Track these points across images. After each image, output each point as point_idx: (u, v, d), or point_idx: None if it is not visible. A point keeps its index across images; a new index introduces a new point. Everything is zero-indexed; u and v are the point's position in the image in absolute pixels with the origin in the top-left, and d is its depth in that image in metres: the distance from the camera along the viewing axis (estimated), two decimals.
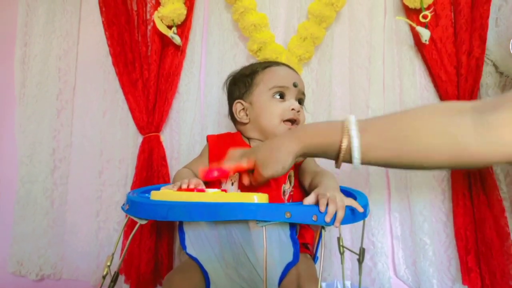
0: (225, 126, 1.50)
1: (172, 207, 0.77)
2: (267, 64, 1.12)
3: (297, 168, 1.06)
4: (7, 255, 1.56)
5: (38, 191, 1.56)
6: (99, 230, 1.55)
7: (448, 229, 1.42)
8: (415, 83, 1.45)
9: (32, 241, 1.54)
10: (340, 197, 0.78)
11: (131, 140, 1.55)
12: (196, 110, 1.55)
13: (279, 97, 1.08)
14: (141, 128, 1.51)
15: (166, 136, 1.56)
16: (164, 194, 0.83)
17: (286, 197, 1.03)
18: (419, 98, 1.46)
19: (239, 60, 1.52)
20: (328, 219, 0.74)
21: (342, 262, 1.18)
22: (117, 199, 1.55)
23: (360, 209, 0.79)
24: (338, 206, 0.76)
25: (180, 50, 1.51)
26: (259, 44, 1.42)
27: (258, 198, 0.78)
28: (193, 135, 1.53)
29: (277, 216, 0.74)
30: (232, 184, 1.05)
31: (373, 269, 1.43)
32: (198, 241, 0.95)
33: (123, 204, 0.91)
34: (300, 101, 1.12)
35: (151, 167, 1.47)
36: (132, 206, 0.85)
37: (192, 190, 0.83)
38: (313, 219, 0.75)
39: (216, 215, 0.74)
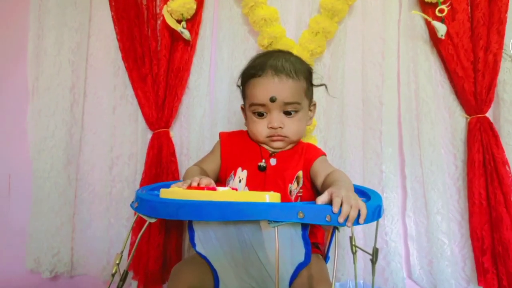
0: (235, 123, 1.48)
1: (181, 206, 0.75)
2: (251, 74, 1.05)
3: (309, 168, 1.03)
4: (23, 252, 1.53)
5: (51, 187, 1.52)
6: (109, 227, 1.53)
7: (463, 229, 1.39)
8: (430, 79, 1.42)
9: (47, 238, 1.51)
10: (355, 197, 0.75)
11: (140, 136, 1.53)
12: (206, 106, 1.52)
13: (258, 115, 1.05)
14: (150, 124, 1.49)
15: (176, 132, 1.54)
16: (174, 192, 0.81)
17: (293, 197, 1.01)
18: (434, 94, 1.42)
19: (250, 55, 1.43)
20: (341, 219, 0.71)
21: (354, 262, 1.15)
22: (126, 195, 1.52)
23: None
24: (352, 206, 0.73)
25: (189, 45, 1.49)
26: (269, 39, 1.39)
27: (270, 197, 0.75)
28: (202, 131, 1.51)
29: (290, 216, 0.71)
30: (240, 181, 1.03)
31: (386, 268, 1.41)
32: (207, 239, 0.93)
33: (132, 202, 0.89)
34: (288, 112, 1.03)
35: (160, 164, 1.45)
36: (141, 204, 0.83)
37: (202, 188, 0.81)
38: (327, 219, 0.72)
39: (227, 214, 0.72)
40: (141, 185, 1.45)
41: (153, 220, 0.83)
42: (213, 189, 0.81)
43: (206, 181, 0.88)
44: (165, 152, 1.47)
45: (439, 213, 1.37)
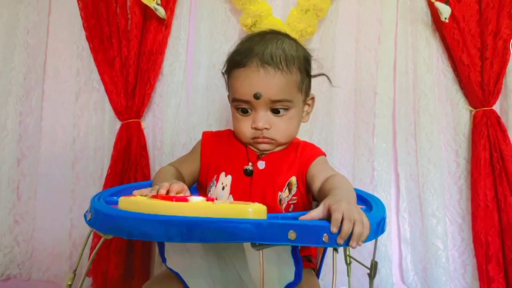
0: (214, 114, 1.36)
1: (140, 222, 0.59)
2: (235, 61, 0.89)
3: (305, 172, 0.89)
4: None
5: (2, 182, 1.40)
6: (72, 228, 1.41)
7: (464, 233, 1.31)
8: (431, 67, 1.32)
9: None
10: (358, 211, 0.62)
11: (107, 126, 1.40)
12: (182, 94, 1.39)
13: (242, 111, 0.90)
14: (119, 113, 1.36)
15: (148, 123, 1.42)
16: (134, 202, 0.66)
17: (283, 206, 0.87)
18: (435, 84, 1.33)
19: (231, 37, 1.36)
20: (341, 241, 0.59)
21: (348, 274, 1.04)
22: (92, 193, 1.37)
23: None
24: (356, 222, 0.60)
25: (164, 25, 1.35)
26: (253, 18, 1.26)
27: (254, 211, 0.61)
28: (178, 123, 1.38)
29: (279, 237, 0.58)
30: (223, 188, 0.89)
31: (376, 275, 1.30)
32: (180, 255, 0.81)
33: (86, 211, 0.74)
34: (276, 109, 0.88)
35: (129, 158, 1.33)
36: (95, 217, 0.68)
37: (170, 198, 0.66)
38: (324, 240, 0.59)
39: (199, 235, 0.57)
40: (106, 182, 1.32)
41: (109, 237, 0.68)
42: (184, 199, 0.66)
43: (177, 187, 0.73)
44: (135, 145, 1.34)
45: (434, 215, 1.28)
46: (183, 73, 1.39)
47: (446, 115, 1.34)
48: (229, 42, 1.32)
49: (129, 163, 1.32)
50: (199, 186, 0.99)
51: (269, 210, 0.63)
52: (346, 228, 0.58)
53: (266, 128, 0.88)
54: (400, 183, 1.36)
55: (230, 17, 1.38)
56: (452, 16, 1.23)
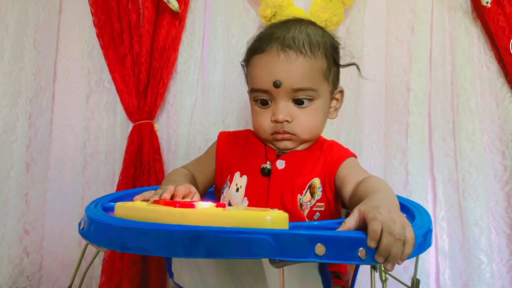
0: (231, 114, 1.29)
1: (134, 232, 0.50)
2: (254, 48, 0.83)
3: (333, 175, 0.78)
4: None
5: (10, 189, 1.34)
6: (82, 237, 1.32)
7: None
8: (472, 59, 1.23)
9: (3, 249, 1.33)
10: (401, 221, 0.51)
11: (119, 129, 1.34)
12: (198, 93, 1.33)
13: (262, 103, 0.82)
14: (130, 114, 1.30)
15: (162, 125, 1.35)
16: (132, 209, 0.57)
17: (306, 212, 0.77)
18: (477, 77, 1.23)
19: (249, 30, 1.28)
20: (381, 258, 0.50)
21: None
22: None
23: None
24: (396, 237, 0.49)
25: (178, 19, 1.29)
26: (273, 9, 1.19)
27: (273, 219, 0.50)
28: (193, 124, 1.31)
29: (304, 252, 0.47)
30: (237, 190, 0.79)
31: None
32: (188, 270, 0.73)
33: (81, 219, 0.66)
34: (299, 100, 0.80)
35: (141, 162, 1.26)
36: (88, 226, 0.59)
37: (173, 204, 0.56)
38: (359, 255, 0.49)
39: (205, 249, 0.47)
40: (118, 189, 1.25)
41: (104, 250, 0.58)
42: (190, 205, 0.56)
43: (183, 189, 0.65)
44: (147, 148, 1.27)
45: (477, 225, 1.18)
46: (198, 71, 1.32)
47: (490, 111, 1.24)
48: (247, 36, 1.24)
49: (142, 167, 1.26)
50: (216, 191, 0.91)
51: (290, 217, 0.54)
52: (386, 243, 0.48)
53: (287, 121, 0.79)
54: (437, 189, 1.26)
55: (248, 9, 1.31)
56: (496, 0, 1.13)
